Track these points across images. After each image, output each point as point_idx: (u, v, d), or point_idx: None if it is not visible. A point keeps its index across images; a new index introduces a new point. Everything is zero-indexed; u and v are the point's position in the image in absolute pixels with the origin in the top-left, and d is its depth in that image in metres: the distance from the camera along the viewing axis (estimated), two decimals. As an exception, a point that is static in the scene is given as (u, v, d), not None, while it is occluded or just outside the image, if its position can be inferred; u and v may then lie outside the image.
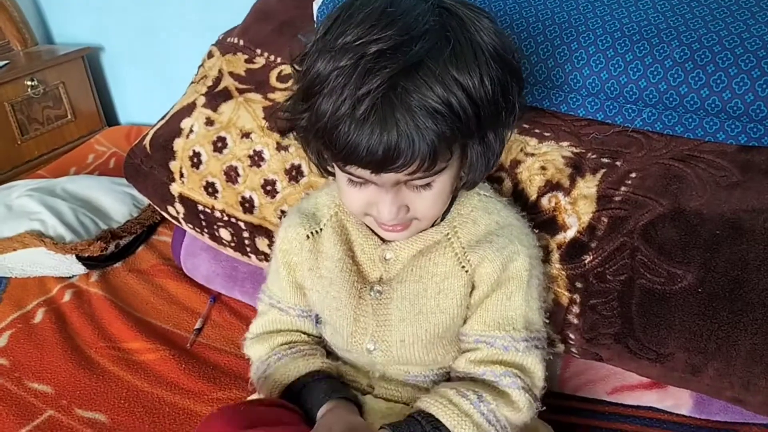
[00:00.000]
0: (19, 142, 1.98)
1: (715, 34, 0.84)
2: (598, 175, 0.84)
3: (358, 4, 0.64)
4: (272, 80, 1.12)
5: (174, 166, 1.14)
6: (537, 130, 0.92)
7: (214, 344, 1.17)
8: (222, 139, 1.09)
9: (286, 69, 1.12)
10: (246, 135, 1.07)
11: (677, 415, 0.94)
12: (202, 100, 1.15)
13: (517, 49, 0.75)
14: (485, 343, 0.75)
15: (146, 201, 1.45)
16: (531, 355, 0.75)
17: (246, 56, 1.19)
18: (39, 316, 1.26)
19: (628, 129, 0.90)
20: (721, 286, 0.74)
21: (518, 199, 0.87)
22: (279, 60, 1.16)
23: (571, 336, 0.85)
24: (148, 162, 1.19)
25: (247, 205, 1.07)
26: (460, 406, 0.71)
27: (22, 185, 1.55)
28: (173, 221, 1.24)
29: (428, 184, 0.69)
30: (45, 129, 2.06)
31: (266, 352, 0.85)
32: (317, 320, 0.86)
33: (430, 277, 0.77)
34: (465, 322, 0.78)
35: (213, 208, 1.11)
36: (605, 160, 0.86)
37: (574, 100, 0.92)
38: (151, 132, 1.21)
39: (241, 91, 1.12)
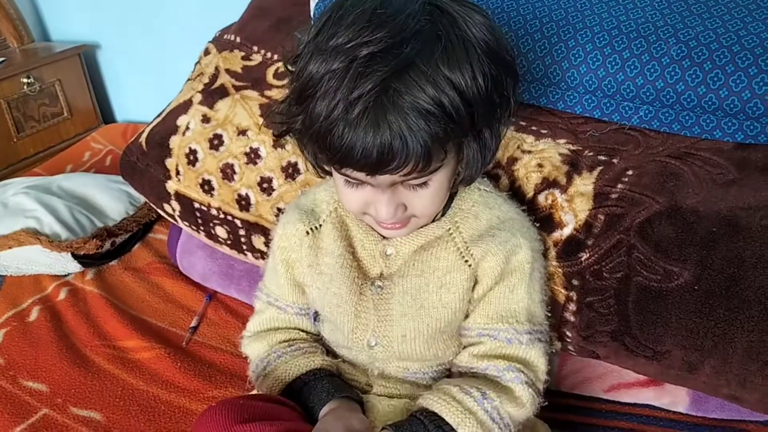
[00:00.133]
0: (15, 140, 1.98)
1: (712, 31, 0.84)
2: (595, 173, 0.84)
3: (349, 5, 0.64)
4: (269, 77, 1.11)
5: (170, 163, 1.14)
6: (534, 128, 0.92)
7: (209, 342, 1.17)
8: (218, 137, 1.09)
9: (283, 66, 1.11)
10: (242, 132, 1.07)
11: (674, 412, 0.94)
12: (198, 97, 1.15)
13: (511, 44, 0.75)
14: (488, 336, 0.75)
15: (142, 199, 1.44)
16: (534, 348, 0.75)
17: (243, 53, 1.19)
18: (34, 314, 1.26)
19: (625, 126, 0.90)
20: (717, 283, 0.74)
21: (515, 196, 0.87)
22: (276, 57, 1.15)
23: (568, 333, 0.85)
24: (144, 159, 1.18)
25: (244, 202, 1.07)
26: (464, 403, 0.71)
27: (18, 183, 1.55)
28: (169, 219, 1.24)
29: (425, 183, 0.69)
30: (41, 126, 2.05)
31: (265, 350, 0.84)
32: (315, 318, 0.86)
33: (432, 272, 0.77)
34: (466, 316, 0.78)
35: (209, 206, 1.11)
36: (602, 158, 0.86)
37: (571, 97, 0.92)
38: (147, 129, 1.21)
39: (237, 89, 1.12)
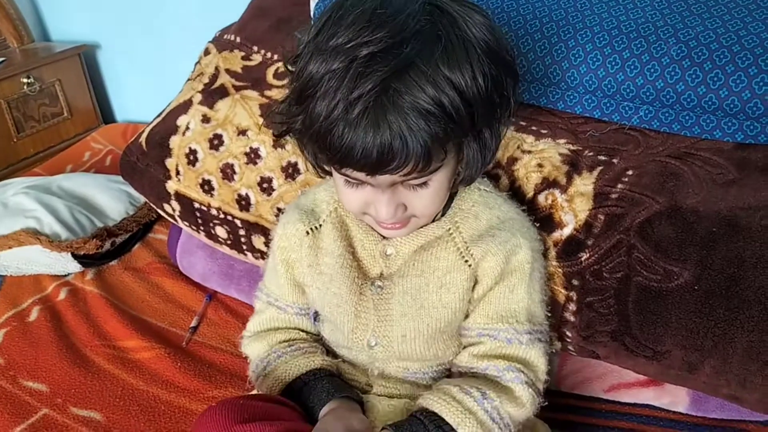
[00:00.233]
0: (15, 140, 1.98)
1: (712, 31, 0.84)
2: (595, 173, 0.84)
3: (349, 5, 0.64)
4: (269, 77, 1.11)
5: (170, 163, 1.14)
6: (534, 128, 0.92)
7: (210, 342, 1.17)
8: (218, 137, 1.09)
9: (283, 66, 1.11)
10: (242, 132, 1.07)
11: (674, 412, 0.94)
12: (198, 97, 1.15)
13: (511, 44, 0.75)
14: (488, 336, 0.75)
15: (142, 199, 1.44)
16: (534, 348, 0.75)
17: (243, 53, 1.19)
18: (34, 314, 1.26)
19: (625, 126, 0.90)
20: (717, 283, 0.74)
21: (515, 196, 0.87)
22: (276, 57, 1.15)
23: (568, 333, 0.85)
24: (144, 159, 1.18)
25: (244, 202, 1.07)
26: (464, 403, 0.70)
27: (18, 183, 1.55)
28: (169, 219, 1.24)
29: (425, 183, 0.69)
30: (41, 126, 2.05)
31: (265, 350, 0.84)
32: (315, 318, 0.86)
33: (432, 272, 0.77)
34: (466, 316, 0.78)
35: (209, 206, 1.11)
36: (602, 158, 0.86)
37: (571, 97, 0.92)
38: (147, 129, 1.21)
39: (237, 89, 1.12)
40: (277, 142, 1.03)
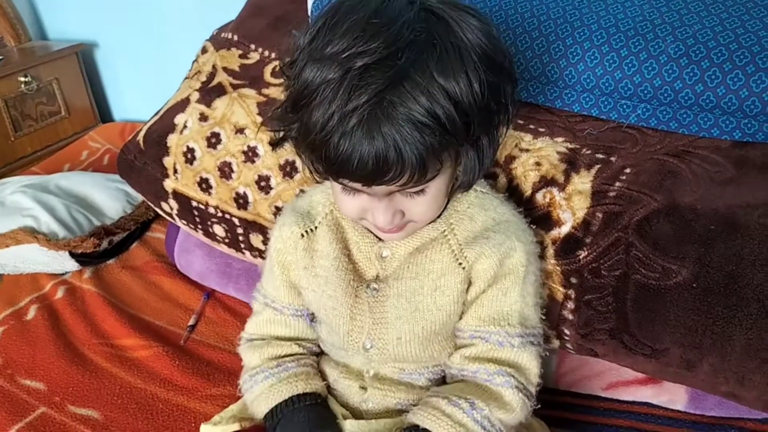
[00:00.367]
0: (12, 139, 1.97)
1: (709, 29, 0.84)
2: (593, 171, 0.84)
3: (343, 12, 0.63)
4: (266, 76, 1.11)
5: (168, 161, 1.13)
6: (532, 126, 0.92)
7: (207, 341, 1.17)
8: (216, 135, 1.08)
9: (279, 70, 1.11)
10: (240, 131, 1.07)
11: (672, 410, 0.94)
12: (195, 95, 1.15)
13: (509, 44, 0.74)
14: (480, 339, 0.75)
15: (140, 198, 1.44)
16: (526, 351, 0.75)
17: (240, 51, 1.18)
18: (32, 312, 1.26)
19: (623, 125, 0.90)
20: (715, 281, 0.74)
21: (513, 194, 0.87)
22: (273, 55, 1.15)
23: (566, 332, 0.85)
24: (141, 158, 1.18)
25: (241, 201, 1.06)
26: (454, 416, 0.70)
27: (15, 182, 1.55)
28: (167, 217, 1.24)
29: (422, 190, 0.69)
30: (38, 125, 2.05)
31: (255, 364, 0.84)
32: (312, 319, 0.85)
33: (426, 275, 0.76)
34: (461, 318, 0.78)
35: (207, 204, 1.11)
36: (600, 156, 0.86)
37: (569, 95, 0.92)
38: (145, 128, 1.21)
39: (235, 87, 1.12)
40: (275, 140, 1.03)
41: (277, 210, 1.03)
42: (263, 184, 1.04)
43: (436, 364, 0.81)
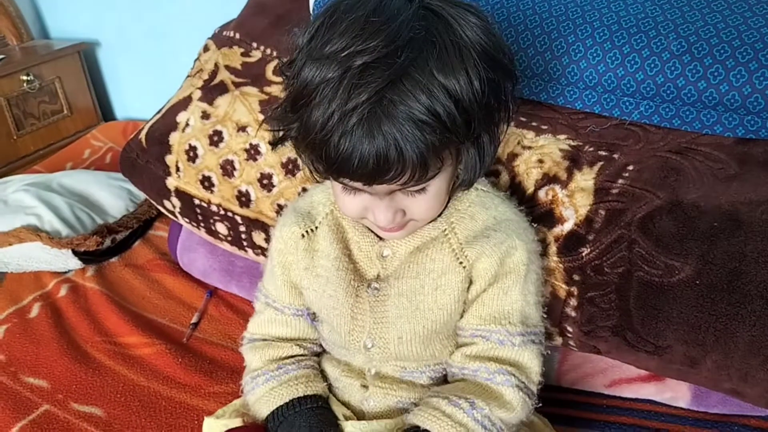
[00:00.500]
0: (14, 137, 1.97)
1: (712, 26, 0.84)
2: (596, 168, 0.84)
3: (342, 11, 0.63)
4: (268, 74, 1.11)
5: (170, 160, 1.13)
6: (534, 123, 0.92)
7: (210, 339, 1.17)
8: (218, 133, 1.08)
9: (278, 70, 1.11)
10: (242, 128, 1.07)
11: (675, 407, 0.94)
12: (198, 93, 1.15)
13: (510, 42, 0.74)
14: (481, 337, 0.75)
15: (142, 196, 1.44)
16: (527, 350, 0.75)
17: (242, 50, 1.18)
18: (35, 310, 1.26)
19: (626, 122, 0.90)
20: (719, 278, 0.74)
21: (515, 192, 0.87)
22: (275, 53, 1.15)
23: (569, 329, 0.85)
24: (143, 156, 1.18)
25: (244, 199, 1.06)
26: (454, 417, 0.70)
27: (18, 180, 1.55)
28: (169, 216, 1.24)
29: (423, 189, 0.69)
30: (41, 124, 2.05)
31: (257, 366, 0.84)
32: (313, 318, 0.86)
33: (427, 274, 0.76)
34: (462, 316, 0.78)
35: (209, 202, 1.11)
36: (602, 153, 0.85)
37: (572, 92, 0.92)
38: (147, 126, 1.21)
39: (237, 85, 1.12)
40: (278, 138, 1.03)
41: (280, 208, 1.03)
42: (265, 181, 1.04)
43: (438, 362, 0.81)
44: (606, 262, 0.79)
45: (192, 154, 1.10)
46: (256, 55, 1.17)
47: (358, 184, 0.66)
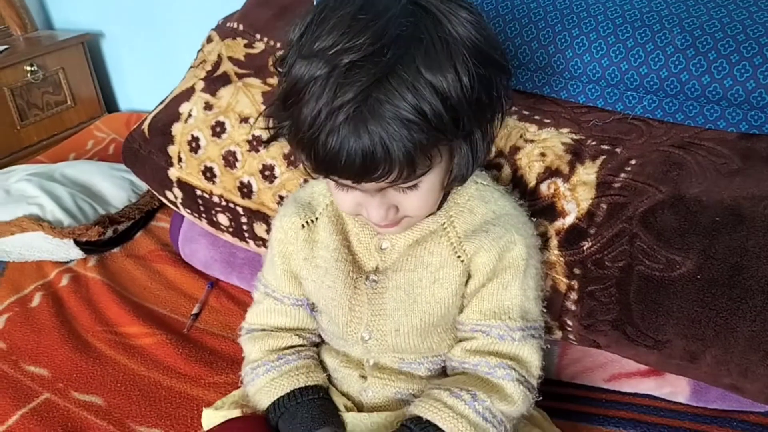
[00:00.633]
0: (18, 128, 1.98)
1: (717, 20, 0.84)
2: (598, 162, 0.84)
3: (331, 6, 0.62)
4: (271, 65, 1.11)
5: (172, 150, 1.14)
6: (537, 117, 0.91)
7: (211, 329, 1.17)
8: (221, 124, 1.08)
9: (272, 66, 1.11)
10: (245, 120, 1.07)
11: (674, 402, 0.94)
12: (201, 84, 1.14)
13: (499, 41, 0.73)
14: (481, 332, 0.75)
15: (145, 187, 1.45)
16: (527, 344, 0.75)
17: (245, 41, 1.18)
18: (36, 300, 1.26)
19: (629, 116, 0.89)
20: (720, 272, 0.74)
21: (517, 185, 0.87)
22: (278, 45, 1.15)
23: (569, 322, 0.85)
24: (146, 146, 1.18)
25: (246, 190, 1.06)
26: (455, 408, 0.70)
27: (21, 170, 1.55)
28: (171, 206, 1.24)
29: (415, 185, 0.68)
30: (44, 115, 2.06)
31: (256, 356, 0.84)
32: (312, 309, 0.86)
33: (425, 267, 0.76)
34: (461, 311, 0.78)
35: (211, 193, 1.11)
36: (605, 147, 0.85)
37: (575, 86, 0.92)
38: (150, 117, 1.21)
39: (240, 76, 1.12)
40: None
41: (281, 199, 1.03)
42: (267, 173, 1.04)
43: (436, 354, 0.81)
44: (607, 255, 0.79)
45: (194, 144, 1.10)
46: (260, 46, 1.17)
47: (348, 182, 0.66)
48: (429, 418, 0.70)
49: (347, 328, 0.80)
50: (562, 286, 0.83)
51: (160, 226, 1.50)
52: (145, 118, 1.22)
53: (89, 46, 2.18)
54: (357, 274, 0.79)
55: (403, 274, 0.77)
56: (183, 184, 1.14)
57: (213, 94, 1.12)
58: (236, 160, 1.06)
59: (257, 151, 1.04)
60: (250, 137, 1.05)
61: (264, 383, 0.81)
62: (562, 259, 0.82)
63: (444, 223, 0.77)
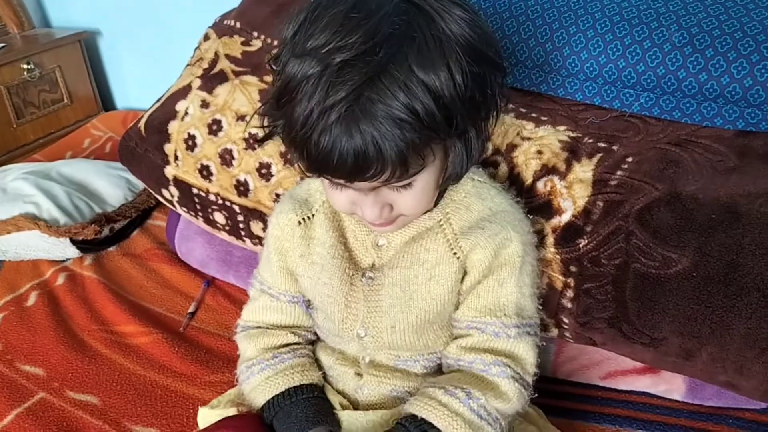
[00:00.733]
0: (14, 126, 1.97)
1: (714, 18, 0.84)
2: (595, 160, 0.84)
3: (325, 4, 0.62)
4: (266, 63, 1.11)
5: (169, 148, 1.13)
6: (534, 114, 0.91)
7: (207, 328, 1.17)
8: (217, 122, 1.08)
9: (267, 65, 1.10)
10: (241, 118, 1.06)
11: (670, 400, 0.94)
12: (197, 82, 1.14)
13: (496, 39, 0.72)
14: (476, 329, 0.75)
15: (141, 185, 1.44)
16: (522, 341, 0.74)
17: (242, 39, 1.18)
18: (32, 298, 1.26)
19: (626, 113, 0.89)
20: (715, 270, 0.73)
21: (514, 183, 0.87)
22: (275, 43, 1.15)
23: (565, 320, 0.85)
24: (142, 145, 1.18)
25: (242, 188, 1.06)
26: (450, 406, 0.70)
27: (17, 168, 1.54)
28: (168, 205, 1.24)
29: (409, 184, 0.68)
30: (41, 113, 2.05)
31: (252, 355, 0.84)
32: (308, 306, 0.85)
33: (421, 264, 0.76)
34: (457, 308, 0.78)
35: (207, 192, 1.11)
36: (602, 145, 0.85)
37: (572, 84, 0.92)
38: (146, 115, 1.20)
39: (237, 74, 1.12)
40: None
41: (278, 197, 1.03)
42: (264, 171, 1.04)
43: (431, 352, 0.81)
44: (603, 253, 0.79)
45: (191, 142, 1.10)
46: (257, 44, 1.16)
47: (341, 181, 0.66)
48: (424, 417, 0.70)
49: (343, 325, 0.80)
50: (558, 283, 0.83)
51: (156, 224, 1.49)
52: (142, 116, 1.21)
53: (86, 45, 2.17)
54: (353, 270, 0.79)
55: (399, 270, 0.77)
56: (179, 183, 1.14)
57: (210, 92, 1.11)
58: (233, 158, 1.06)
59: (254, 149, 1.04)
60: (247, 135, 1.05)
61: (259, 382, 0.81)
62: (558, 256, 0.82)
63: (440, 219, 0.77)
